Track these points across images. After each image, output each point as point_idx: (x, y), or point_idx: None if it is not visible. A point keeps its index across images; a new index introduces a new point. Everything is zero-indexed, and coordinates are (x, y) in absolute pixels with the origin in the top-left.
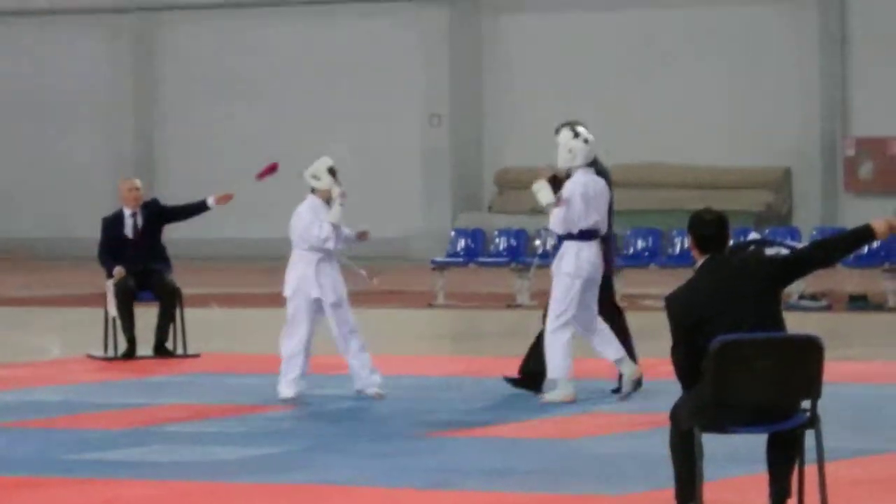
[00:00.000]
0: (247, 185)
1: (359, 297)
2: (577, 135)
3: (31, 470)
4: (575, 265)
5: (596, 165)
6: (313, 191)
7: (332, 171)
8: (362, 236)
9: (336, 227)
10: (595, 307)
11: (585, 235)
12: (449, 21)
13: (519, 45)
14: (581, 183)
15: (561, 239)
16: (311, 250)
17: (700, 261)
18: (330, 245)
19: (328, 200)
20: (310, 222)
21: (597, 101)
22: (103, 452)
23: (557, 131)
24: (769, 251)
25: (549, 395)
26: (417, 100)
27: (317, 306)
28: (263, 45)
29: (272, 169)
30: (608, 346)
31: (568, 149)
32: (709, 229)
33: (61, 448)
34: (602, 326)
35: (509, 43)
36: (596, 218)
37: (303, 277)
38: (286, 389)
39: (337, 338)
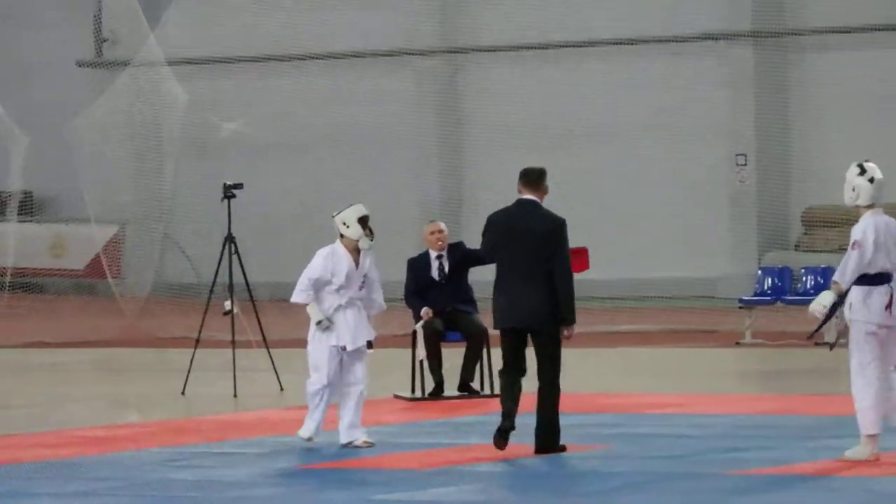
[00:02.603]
0: None
1: (667, 337)
2: (863, 172)
3: None
4: (869, 311)
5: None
6: (342, 237)
7: (362, 221)
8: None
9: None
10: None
11: (874, 280)
12: (754, 60)
13: (824, 84)
14: (872, 225)
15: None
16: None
17: None
18: (296, 299)
19: (355, 249)
20: (310, 268)
21: None
22: (413, 492)
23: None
24: None
25: (851, 452)
26: (724, 139)
27: (336, 352)
28: (568, 87)
29: (582, 255)
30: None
31: (852, 186)
32: None
33: (370, 489)
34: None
35: (815, 81)
36: (885, 262)
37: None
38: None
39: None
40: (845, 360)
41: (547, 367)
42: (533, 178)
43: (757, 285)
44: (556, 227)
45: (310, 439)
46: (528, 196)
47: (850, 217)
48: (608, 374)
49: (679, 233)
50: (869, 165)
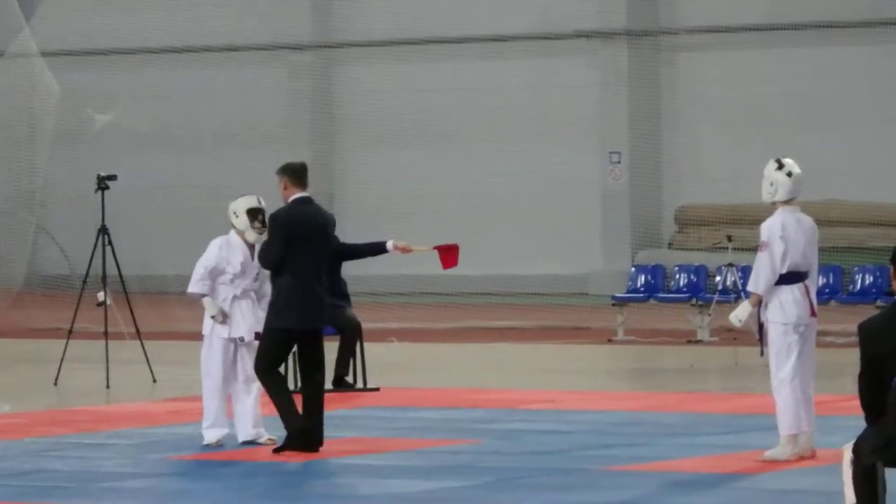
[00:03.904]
0: (424, 224)
1: (539, 333)
2: (781, 167)
3: (209, 501)
4: (782, 312)
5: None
6: (234, 227)
7: (251, 213)
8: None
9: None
10: (812, 357)
11: (786, 279)
12: (628, 58)
13: (697, 84)
14: (779, 223)
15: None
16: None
17: None
18: (193, 290)
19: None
20: (205, 258)
21: (776, 138)
22: (282, 485)
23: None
24: None
25: (770, 453)
26: (597, 137)
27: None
28: (441, 83)
29: (452, 252)
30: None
31: (770, 181)
32: None
33: (242, 481)
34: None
35: (688, 81)
36: (794, 259)
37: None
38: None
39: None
40: (717, 357)
41: (323, 367)
42: (302, 173)
43: (630, 283)
44: (334, 222)
45: (220, 443)
46: (302, 193)
47: (723, 216)
48: (481, 370)
49: (552, 230)
50: (787, 161)
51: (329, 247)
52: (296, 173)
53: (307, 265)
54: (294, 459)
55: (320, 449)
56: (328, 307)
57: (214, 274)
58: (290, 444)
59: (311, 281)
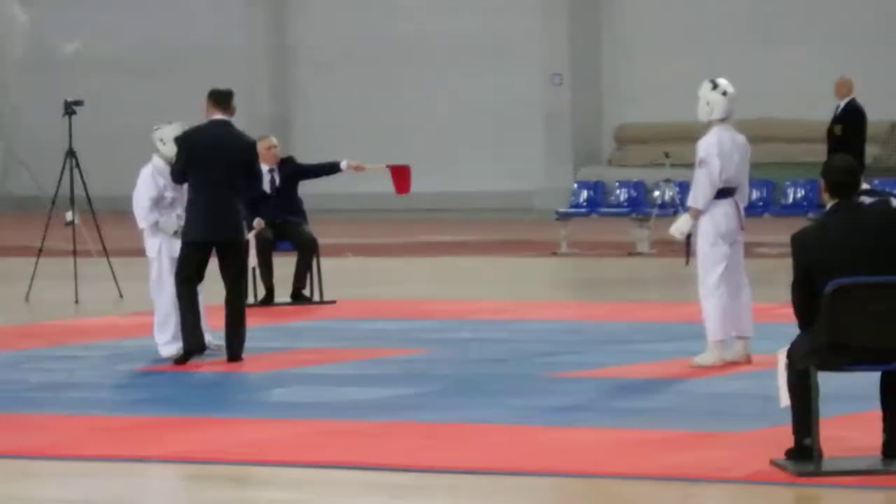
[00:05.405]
0: (375, 145)
1: (487, 247)
2: (715, 87)
3: (176, 410)
4: (712, 224)
5: None
6: (158, 151)
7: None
8: None
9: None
10: (740, 268)
11: (719, 194)
12: None
13: (637, 4)
14: (715, 141)
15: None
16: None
17: (829, 204)
18: (144, 224)
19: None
20: (145, 189)
21: (712, 58)
22: (246, 394)
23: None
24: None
25: (699, 359)
26: (540, 58)
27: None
28: (385, 5)
29: (403, 173)
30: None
31: (706, 101)
32: (841, 175)
33: (206, 389)
34: (746, 293)
35: (628, 2)
36: (728, 174)
37: (164, 239)
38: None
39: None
40: (656, 268)
41: (238, 280)
42: (224, 98)
43: (572, 198)
44: (250, 146)
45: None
46: (220, 116)
47: (660, 133)
48: (432, 283)
49: (498, 148)
50: (721, 81)
51: (239, 166)
52: (217, 97)
53: (211, 181)
54: (257, 369)
55: (239, 363)
56: (240, 220)
57: (157, 202)
58: (184, 359)
59: (214, 195)
